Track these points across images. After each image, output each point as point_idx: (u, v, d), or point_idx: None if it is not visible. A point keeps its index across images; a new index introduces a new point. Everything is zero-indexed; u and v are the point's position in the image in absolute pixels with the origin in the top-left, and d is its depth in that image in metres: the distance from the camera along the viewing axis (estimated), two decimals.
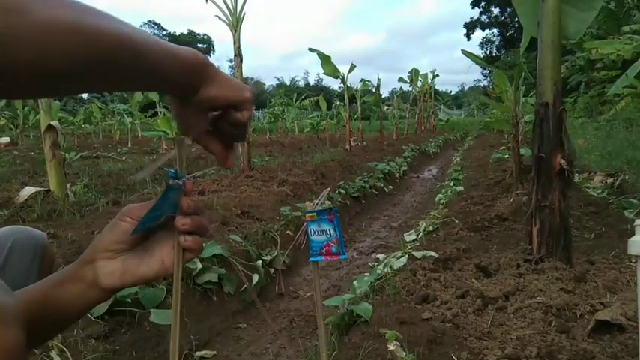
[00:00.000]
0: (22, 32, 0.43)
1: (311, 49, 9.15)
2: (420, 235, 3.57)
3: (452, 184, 6.25)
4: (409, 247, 3.16)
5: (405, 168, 8.62)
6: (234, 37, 5.84)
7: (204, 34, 68.86)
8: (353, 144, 10.73)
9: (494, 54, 44.44)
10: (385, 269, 2.65)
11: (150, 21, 67.32)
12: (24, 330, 0.58)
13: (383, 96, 14.88)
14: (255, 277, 2.94)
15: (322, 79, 65.68)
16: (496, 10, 43.78)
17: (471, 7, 44.84)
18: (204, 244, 2.78)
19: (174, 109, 0.67)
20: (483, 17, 45.58)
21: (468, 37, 47.53)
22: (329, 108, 18.05)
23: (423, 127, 19.22)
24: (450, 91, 70.09)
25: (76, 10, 0.48)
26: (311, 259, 1.03)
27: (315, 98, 18.40)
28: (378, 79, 13.16)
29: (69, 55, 0.47)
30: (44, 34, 0.44)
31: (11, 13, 0.43)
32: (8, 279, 0.72)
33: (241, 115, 0.68)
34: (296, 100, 20.79)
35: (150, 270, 0.71)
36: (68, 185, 4.45)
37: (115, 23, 0.52)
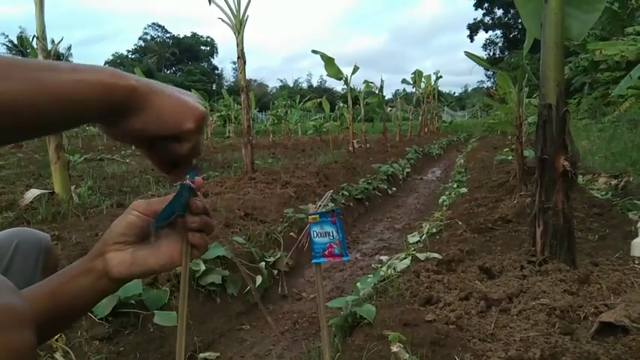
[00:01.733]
0: None
1: (314, 51, 9.17)
2: (423, 237, 3.57)
3: (455, 185, 6.25)
4: (412, 248, 3.16)
5: (409, 170, 8.61)
6: (237, 39, 5.86)
7: (208, 37, 69.08)
8: (356, 146, 10.73)
9: (497, 55, 44.34)
10: (388, 271, 2.65)
11: (154, 23, 67.62)
12: (34, 331, 0.58)
13: (386, 98, 14.90)
14: (259, 279, 2.94)
15: (325, 81, 65.84)
16: (499, 12, 43.73)
17: (474, 8, 44.82)
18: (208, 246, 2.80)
19: (102, 131, 0.62)
20: (487, 19, 45.52)
21: (472, 39, 47.42)
22: (332, 110, 18.07)
23: (426, 129, 19.20)
24: (454, 93, 69.95)
25: None
26: (314, 261, 1.03)
27: (319, 100, 18.41)
28: (382, 80, 13.18)
29: None
30: None
31: None
32: (12, 280, 0.73)
33: (180, 147, 0.62)
34: (299, 102, 20.81)
35: (157, 263, 0.74)
36: (72, 187, 4.46)
37: (20, 73, 0.49)
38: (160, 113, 0.58)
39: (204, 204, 0.74)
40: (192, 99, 0.64)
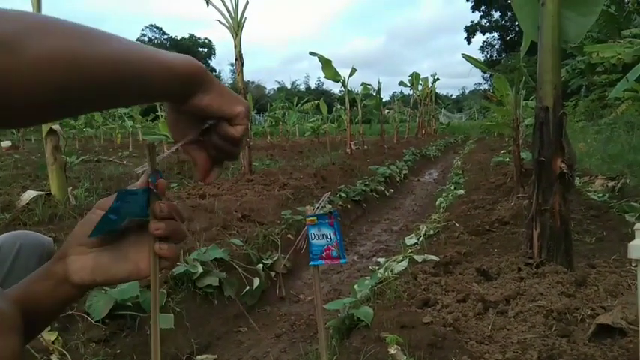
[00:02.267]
0: (20, 70, 0.43)
1: (312, 53, 9.17)
2: (420, 239, 3.57)
3: (453, 187, 6.26)
4: (410, 250, 3.16)
5: (406, 171, 8.62)
6: (235, 41, 5.86)
7: (205, 38, 69.05)
8: (354, 147, 10.73)
9: (494, 58, 44.44)
10: (386, 273, 2.65)
11: (151, 25, 67.59)
12: (21, 336, 0.58)
13: (384, 100, 14.90)
14: (256, 281, 2.94)
15: (323, 83, 65.85)
16: (496, 14, 43.85)
17: (471, 10, 44.93)
18: (204, 249, 2.79)
19: (169, 115, 0.66)
20: (484, 21, 45.63)
21: (469, 41, 47.56)
22: (330, 112, 18.08)
23: (423, 131, 19.23)
24: (451, 95, 70.24)
25: (74, 40, 0.47)
26: (311, 263, 1.03)
27: (316, 102, 18.43)
28: (379, 82, 13.17)
29: (68, 87, 0.47)
30: (43, 70, 0.44)
31: (8, 52, 0.42)
32: (15, 283, 0.73)
33: (234, 130, 0.64)
34: (297, 104, 20.83)
35: (122, 271, 0.68)
36: (69, 189, 4.45)
37: (113, 45, 0.51)
38: (221, 93, 0.63)
39: (171, 207, 0.67)
40: None
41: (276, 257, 3.33)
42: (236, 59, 5.91)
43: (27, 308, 0.66)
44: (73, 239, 0.68)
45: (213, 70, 69.74)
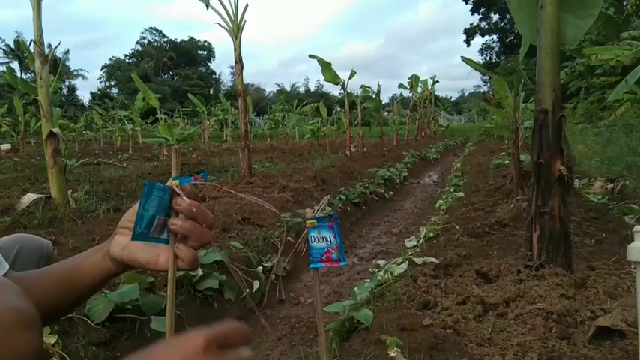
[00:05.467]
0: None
1: (311, 56, 9.17)
2: (420, 241, 3.57)
3: (452, 189, 6.26)
4: (410, 253, 3.16)
5: (406, 174, 8.62)
6: (234, 44, 5.86)
7: (205, 41, 69.05)
8: (353, 150, 10.73)
9: (493, 60, 44.38)
10: (386, 275, 2.65)
11: (151, 28, 67.58)
12: (41, 333, 0.61)
13: (383, 102, 14.91)
14: (256, 284, 2.94)
15: (322, 86, 65.84)
16: (496, 17, 43.80)
17: (470, 13, 44.95)
18: (204, 251, 2.79)
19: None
20: (483, 23, 45.56)
21: (468, 44, 47.45)
22: (329, 114, 18.07)
23: (423, 133, 19.24)
24: (450, 97, 70.08)
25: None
26: (311, 266, 1.03)
27: (316, 104, 18.44)
28: (379, 85, 13.18)
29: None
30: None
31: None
32: None
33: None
34: (296, 107, 20.87)
35: (143, 258, 0.76)
36: (69, 192, 4.45)
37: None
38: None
39: (191, 207, 0.69)
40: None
41: (275, 260, 3.33)
42: (236, 62, 5.92)
43: (77, 279, 0.80)
44: (121, 221, 0.78)
45: (212, 72, 69.86)
